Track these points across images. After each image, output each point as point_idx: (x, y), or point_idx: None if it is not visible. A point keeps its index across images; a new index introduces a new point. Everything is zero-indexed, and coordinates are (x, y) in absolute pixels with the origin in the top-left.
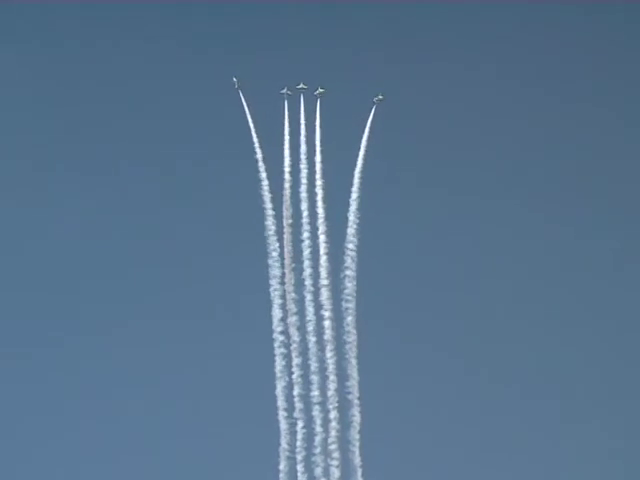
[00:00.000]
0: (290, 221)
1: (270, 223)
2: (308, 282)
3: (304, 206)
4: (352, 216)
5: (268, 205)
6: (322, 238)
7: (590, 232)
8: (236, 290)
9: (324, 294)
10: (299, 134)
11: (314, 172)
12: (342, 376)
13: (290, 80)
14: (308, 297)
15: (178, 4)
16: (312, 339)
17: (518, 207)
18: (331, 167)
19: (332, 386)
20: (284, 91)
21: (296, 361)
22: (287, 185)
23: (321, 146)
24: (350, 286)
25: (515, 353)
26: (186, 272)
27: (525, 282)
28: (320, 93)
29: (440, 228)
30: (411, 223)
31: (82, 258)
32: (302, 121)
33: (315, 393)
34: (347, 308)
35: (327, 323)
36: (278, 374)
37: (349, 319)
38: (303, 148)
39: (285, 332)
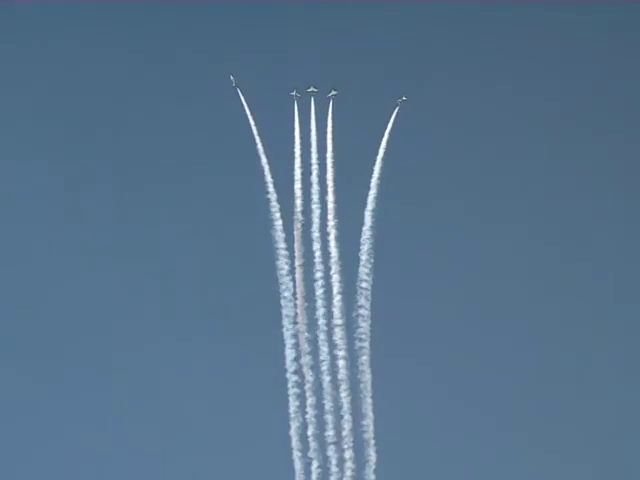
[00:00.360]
0: (302, 261)
1: (282, 263)
2: (321, 321)
3: (316, 246)
4: (365, 255)
5: (281, 245)
6: (335, 277)
7: (615, 256)
8: (249, 330)
9: (338, 333)
10: (309, 145)
11: (326, 205)
12: (357, 415)
13: (300, 82)
14: (321, 336)
15: (184, 4)
16: (326, 378)
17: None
18: (344, 199)
19: (347, 425)
20: (293, 93)
21: (310, 401)
22: (299, 225)
23: (333, 159)
24: (364, 325)
25: (535, 392)
26: (198, 313)
27: (549, 320)
28: (333, 95)
29: (454, 266)
30: (425, 261)
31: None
32: (313, 128)
33: (330, 433)
34: (361, 347)
35: (341, 362)
36: (292, 414)
37: (363, 358)
38: (315, 167)
39: (299, 372)
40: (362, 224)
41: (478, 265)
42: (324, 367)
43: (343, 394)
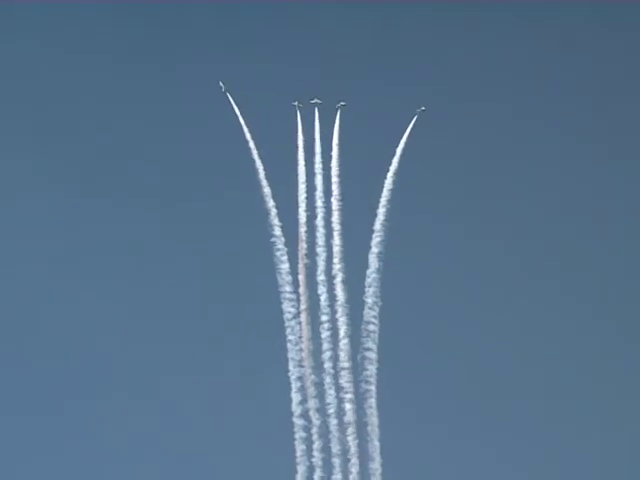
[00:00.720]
0: (307, 305)
1: (287, 306)
2: (328, 365)
3: (322, 289)
4: (371, 298)
5: (286, 289)
6: (342, 320)
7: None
8: (254, 374)
9: (344, 376)
10: (314, 170)
11: (332, 248)
12: (364, 459)
13: (302, 94)
14: (328, 380)
15: (188, 11)
16: (333, 422)
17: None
18: (349, 241)
19: (354, 469)
20: (295, 104)
21: (317, 444)
22: (303, 271)
23: (340, 197)
24: (371, 368)
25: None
26: (203, 357)
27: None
28: (341, 106)
29: (461, 309)
30: (432, 304)
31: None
32: (317, 145)
33: (337, 477)
34: (368, 390)
35: (348, 405)
36: (298, 458)
37: (370, 401)
38: (320, 207)
39: (305, 415)
40: (367, 267)
41: (487, 308)
42: (331, 410)
43: (350, 437)
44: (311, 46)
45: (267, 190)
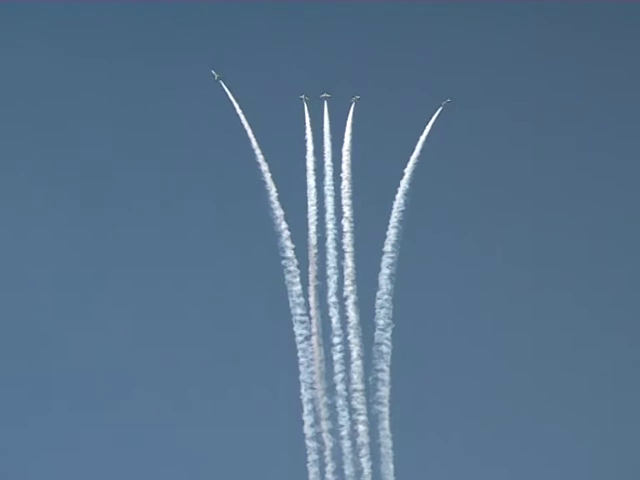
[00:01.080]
0: (319, 329)
1: (299, 329)
2: (340, 387)
3: (333, 312)
4: (383, 319)
5: (297, 311)
6: (354, 342)
7: None
8: (267, 397)
9: (357, 398)
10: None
11: (343, 270)
12: None
13: (311, 89)
14: (340, 402)
15: (189, 10)
16: (346, 444)
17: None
18: (361, 261)
19: None
20: (302, 97)
21: (330, 466)
22: (314, 293)
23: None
24: (384, 390)
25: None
26: (216, 380)
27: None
28: (356, 99)
29: (473, 329)
30: (444, 324)
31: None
32: (327, 144)
33: None
34: (381, 412)
35: (361, 427)
36: None
37: (384, 423)
38: (330, 229)
39: (317, 437)
40: (378, 288)
41: (500, 329)
42: (344, 432)
43: (363, 459)
44: (318, 42)
45: (279, 212)
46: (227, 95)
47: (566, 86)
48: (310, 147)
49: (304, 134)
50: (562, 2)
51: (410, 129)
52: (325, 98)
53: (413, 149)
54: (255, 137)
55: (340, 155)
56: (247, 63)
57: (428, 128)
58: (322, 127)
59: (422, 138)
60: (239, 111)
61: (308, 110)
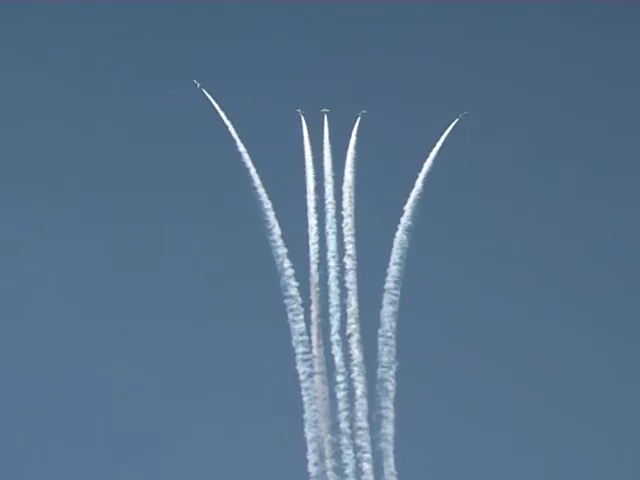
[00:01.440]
0: (322, 368)
1: (302, 367)
2: (344, 424)
3: (336, 349)
4: (386, 357)
5: (299, 350)
6: (358, 380)
7: None
8: (269, 435)
9: (362, 436)
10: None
11: (344, 303)
12: None
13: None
14: (344, 440)
15: (191, 26)
16: None
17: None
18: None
19: None
20: (299, 110)
21: None
22: (317, 331)
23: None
24: (388, 427)
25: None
26: (218, 419)
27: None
28: (362, 114)
29: (476, 366)
30: (448, 363)
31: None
32: (327, 163)
33: None
34: (386, 450)
35: (366, 466)
36: None
37: (389, 461)
38: (332, 269)
39: (322, 476)
40: (380, 325)
41: (504, 366)
42: (348, 470)
43: None
44: (316, 54)
45: (282, 251)
46: (224, 124)
47: (586, 102)
48: (311, 178)
49: (303, 155)
50: (584, 15)
51: (417, 150)
52: (325, 113)
53: (417, 176)
54: (256, 169)
55: (342, 179)
56: (241, 74)
57: (441, 140)
58: (322, 145)
59: (425, 170)
60: (235, 136)
61: (307, 127)
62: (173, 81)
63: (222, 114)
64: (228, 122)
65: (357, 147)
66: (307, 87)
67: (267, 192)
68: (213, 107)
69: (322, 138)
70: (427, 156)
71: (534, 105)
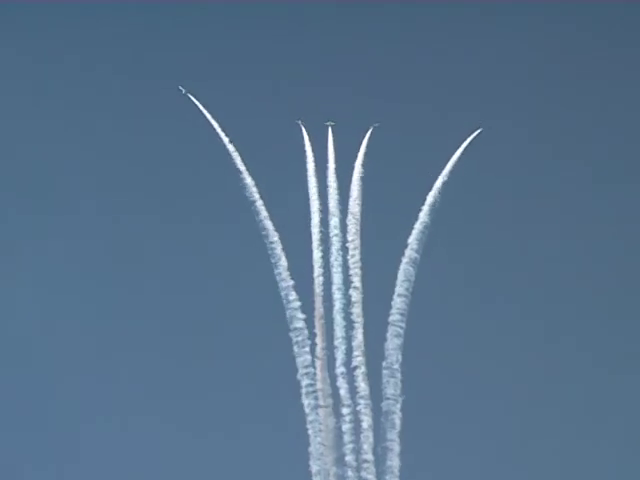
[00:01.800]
0: (328, 401)
1: (307, 399)
2: (350, 457)
3: (341, 382)
4: (392, 389)
5: (305, 382)
6: (364, 412)
7: None
8: (273, 469)
9: (367, 469)
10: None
11: (349, 336)
12: None
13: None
14: (350, 472)
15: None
16: None
17: None
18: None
19: None
20: (299, 122)
21: None
22: (321, 364)
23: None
24: (394, 460)
25: None
26: (221, 453)
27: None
28: (375, 127)
29: (482, 400)
30: (454, 395)
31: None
32: (333, 192)
33: None
34: None
35: None
36: None
37: None
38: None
39: None
40: (385, 358)
41: (510, 397)
42: None
43: None
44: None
45: (288, 284)
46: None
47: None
48: (316, 209)
49: (306, 176)
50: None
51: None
52: (330, 125)
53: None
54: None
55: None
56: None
57: (453, 160)
58: (326, 162)
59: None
60: (242, 167)
61: (310, 141)
62: (165, 91)
63: (215, 125)
64: (227, 142)
65: (364, 165)
66: (309, 99)
67: (274, 225)
68: (210, 123)
69: (326, 154)
70: (432, 184)
71: (540, 120)
